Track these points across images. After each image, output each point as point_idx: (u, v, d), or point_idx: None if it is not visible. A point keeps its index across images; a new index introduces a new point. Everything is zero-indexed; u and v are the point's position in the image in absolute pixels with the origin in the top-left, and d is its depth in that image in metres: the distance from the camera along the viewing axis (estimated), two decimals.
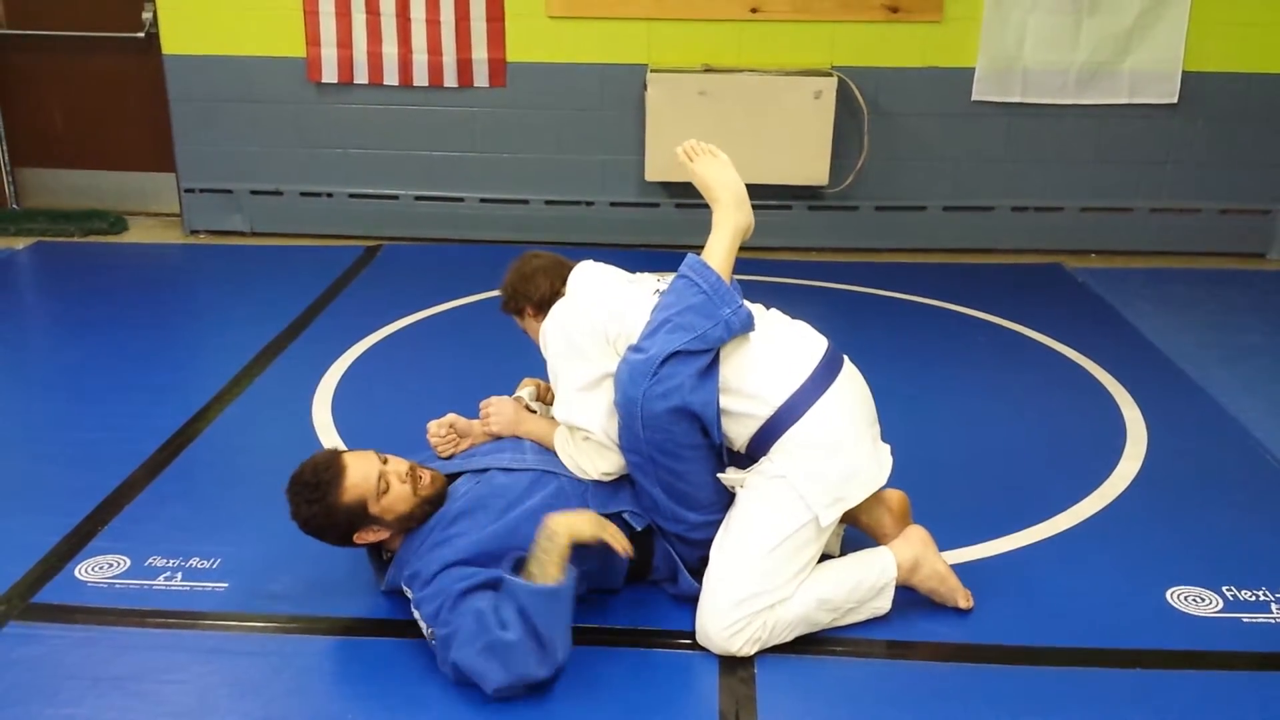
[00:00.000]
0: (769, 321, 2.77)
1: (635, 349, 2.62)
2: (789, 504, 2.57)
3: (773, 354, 2.68)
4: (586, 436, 2.71)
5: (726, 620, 2.54)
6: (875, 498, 2.82)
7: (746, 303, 2.70)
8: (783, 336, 2.74)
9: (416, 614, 2.52)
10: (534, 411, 3.01)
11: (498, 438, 2.94)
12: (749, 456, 2.69)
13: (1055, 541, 3.10)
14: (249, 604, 2.77)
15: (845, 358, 2.78)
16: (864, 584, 2.67)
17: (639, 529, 2.71)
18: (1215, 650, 2.63)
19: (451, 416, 2.98)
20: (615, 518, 2.68)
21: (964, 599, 2.74)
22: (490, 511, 2.62)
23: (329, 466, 2.57)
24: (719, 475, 2.67)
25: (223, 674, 2.51)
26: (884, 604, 2.70)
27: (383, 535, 2.61)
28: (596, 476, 2.74)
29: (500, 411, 2.94)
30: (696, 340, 2.57)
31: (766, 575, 2.55)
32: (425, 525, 2.61)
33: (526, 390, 3.15)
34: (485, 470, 2.77)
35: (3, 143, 6.31)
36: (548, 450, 2.84)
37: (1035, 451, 3.64)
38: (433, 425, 2.97)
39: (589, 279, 2.95)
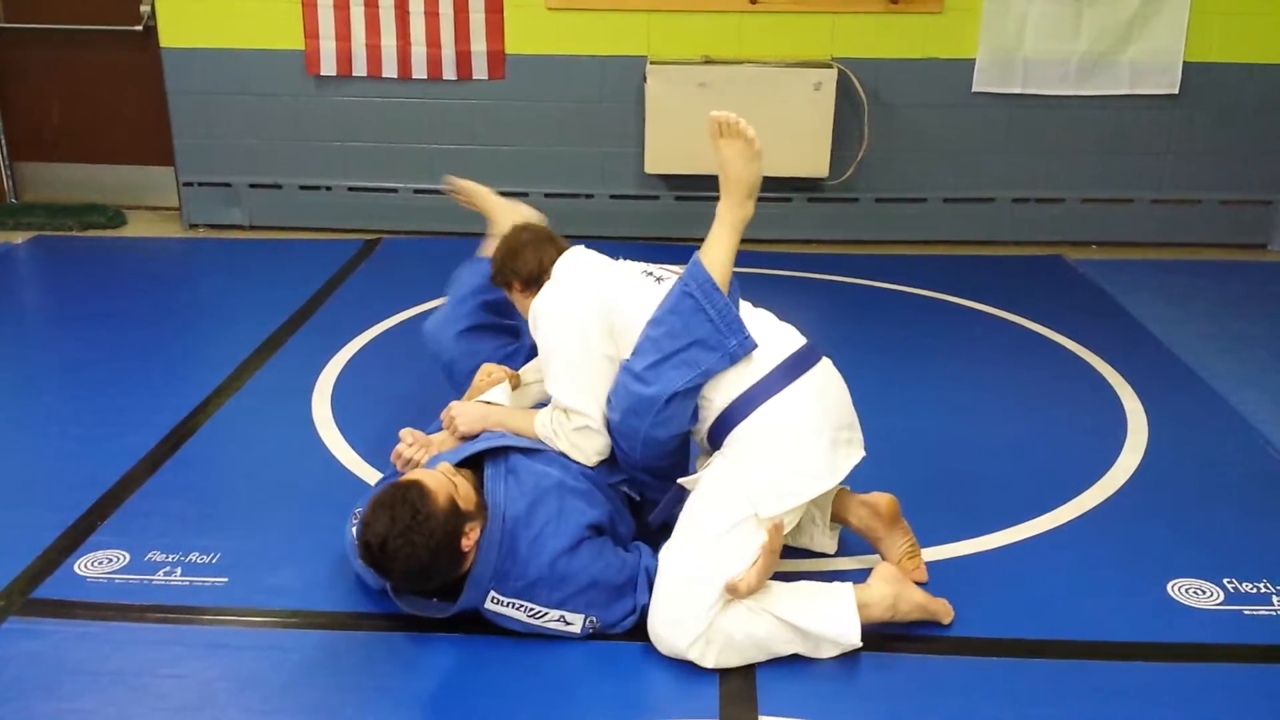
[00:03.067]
0: (751, 320, 2.75)
1: (637, 377, 2.63)
2: (733, 494, 2.56)
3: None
4: (584, 425, 2.71)
5: (673, 612, 2.50)
6: (864, 502, 2.82)
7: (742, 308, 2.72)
8: (756, 333, 2.72)
9: (518, 610, 2.54)
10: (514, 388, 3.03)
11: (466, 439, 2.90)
12: (712, 445, 2.71)
13: (1056, 534, 3.09)
14: (248, 598, 2.76)
15: (825, 358, 2.75)
16: (825, 616, 2.54)
17: (637, 499, 2.83)
18: (1216, 643, 2.62)
19: (410, 430, 2.92)
20: (615, 489, 2.78)
21: (946, 615, 2.67)
22: (551, 495, 2.61)
23: (405, 489, 2.41)
24: (680, 481, 2.71)
25: (222, 668, 2.51)
26: (852, 639, 2.55)
27: (476, 533, 2.49)
28: (592, 461, 2.76)
29: (464, 412, 2.90)
30: (700, 376, 2.61)
31: (712, 560, 2.50)
32: (491, 533, 2.52)
33: (498, 391, 3.04)
34: (505, 456, 2.72)
35: (1, 137, 6.30)
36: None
37: (1035, 443, 3.63)
38: (403, 447, 2.88)
39: (577, 264, 2.94)
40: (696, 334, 2.61)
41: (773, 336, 2.71)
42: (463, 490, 2.49)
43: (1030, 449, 3.60)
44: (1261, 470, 3.47)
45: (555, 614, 2.55)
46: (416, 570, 2.41)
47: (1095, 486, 3.34)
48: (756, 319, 2.78)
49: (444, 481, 2.46)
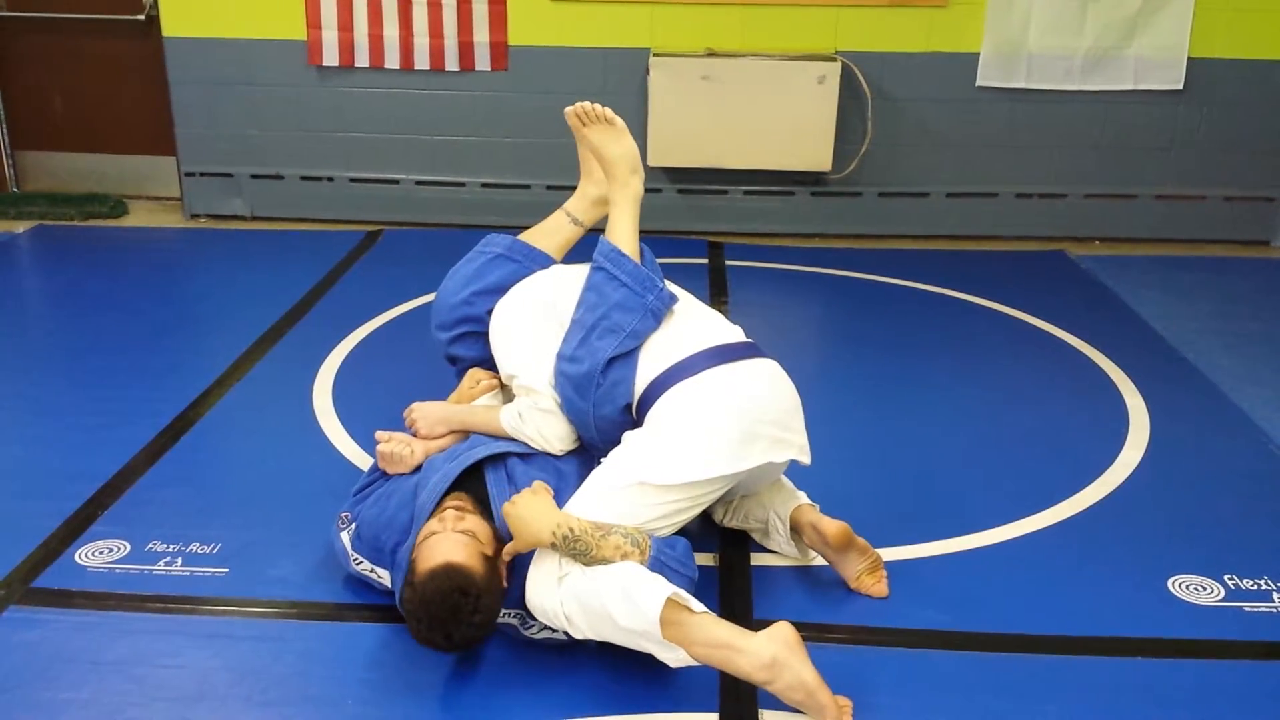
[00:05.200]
0: (683, 306, 2.81)
1: (570, 359, 2.68)
2: (625, 459, 2.56)
3: (671, 333, 2.73)
4: (546, 407, 2.73)
5: (537, 569, 2.41)
6: (814, 524, 2.73)
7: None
8: (685, 321, 2.77)
9: (510, 618, 2.53)
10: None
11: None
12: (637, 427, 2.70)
13: (1057, 529, 3.09)
14: (249, 589, 2.76)
15: (770, 360, 2.73)
16: (631, 596, 2.29)
17: None
18: (1216, 639, 2.62)
19: (384, 433, 2.89)
20: None
21: (834, 716, 2.26)
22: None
23: (448, 579, 2.30)
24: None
25: (222, 659, 2.51)
26: (666, 654, 2.30)
27: (505, 568, 2.47)
28: (557, 449, 2.76)
29: (426, 414, 2.90)
30: (628, 339, 2.68)
31: (591, 513, 2.46)
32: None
33: (486, 399, 3.03)
34: (503, 462, 2.70)
35: (3, 125, 6.30)
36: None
37: (1037, 439, 3.63)
38: (386, 448, 2.84)
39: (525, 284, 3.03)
40: (612, 299, 2.71)
41: (707, 328, 2.75)
42: (481, 534, 2.44)
43: (1031, 444, 3.60)
44: (1263, 467, 3.47)
45: (538, 624, 2.50)
46: (481, 641, 2.44)
47: (1096, 482, 3.34)
48: (699, 313, 2.83)
49: (467, 544, 2.38)
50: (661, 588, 2.28)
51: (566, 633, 2.40)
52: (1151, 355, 4.32)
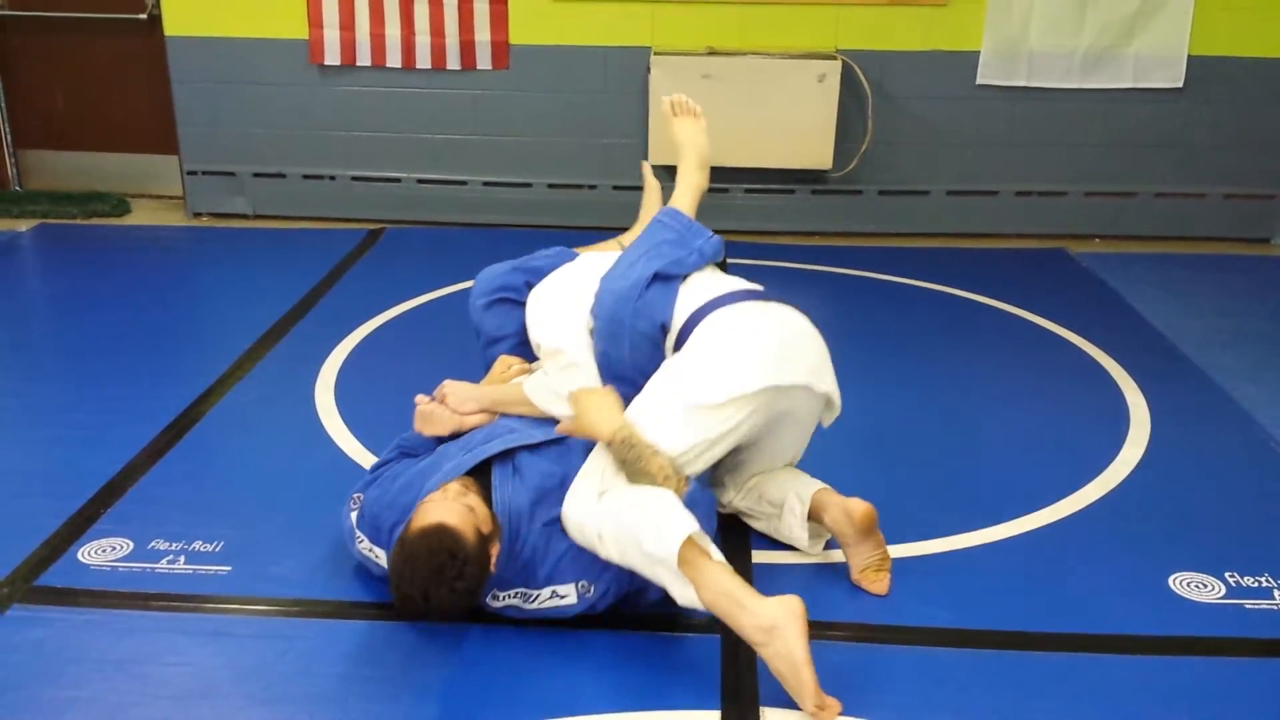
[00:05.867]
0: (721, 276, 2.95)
1: (616, 277, 2.81)
2: (664, 380, 2.66)
3: (712, 276, 2.89)
4: (570, 362, 2.79)
5: (578, 484, 2.53)
6: (841, 505, 2.77)
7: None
8: (726, 276, 2.93)
9: (514, 598, 2.56)
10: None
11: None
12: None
13: (1057, 527, 3.09)
14: (252, 587, 2.77)
15: (793, 307, 2.85)
16: (652, 517, 2.38)
17: None
18: (1217, 636, 2.62)
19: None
20: None
21: (812, 700, 2.26)
22: (554, 495, 2.60)
23: (435, 538, 2.34)
24: None
25: (225, 657, 2.52)
26: (677, 588, 2.38)
27: (496, 549, 2.47)
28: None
29: (455, 391, 2.93)
30: (674, 265, 2.82)
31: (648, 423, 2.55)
32: (504, 542, 2.52)
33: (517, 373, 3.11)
34: (512, 457, 2.72)
35: (5, 124, 6.31)
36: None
37: (1037, 437, 3.64)
38: (423, 406, 2.93)
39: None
40: (662, 237, 2.92)
41: (740, 282, 2.88)
42: (480, 512, 2.46)
43: (1032, 442, 3.60)
44: (1263, 464, 3.47)
45: (546, 591, 2.54)
46: (458, 611, 2.43)
47: (1097, 480, 3.34)
48: (727, 279, 2.92)
49: (464, 514, 2.41)
50: (689, 523, 2.36)
51: (595, 552, 2.47)
52: (1152, 353, 4.32)
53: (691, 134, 3.29)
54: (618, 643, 2.57)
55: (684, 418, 2.56)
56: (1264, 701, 2.41)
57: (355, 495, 2.80)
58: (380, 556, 2.66)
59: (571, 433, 2.61)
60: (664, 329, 2.75)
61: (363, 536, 2.71)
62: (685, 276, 2.82)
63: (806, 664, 2.26)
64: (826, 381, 2.74)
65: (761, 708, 2.36)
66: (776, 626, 2.28)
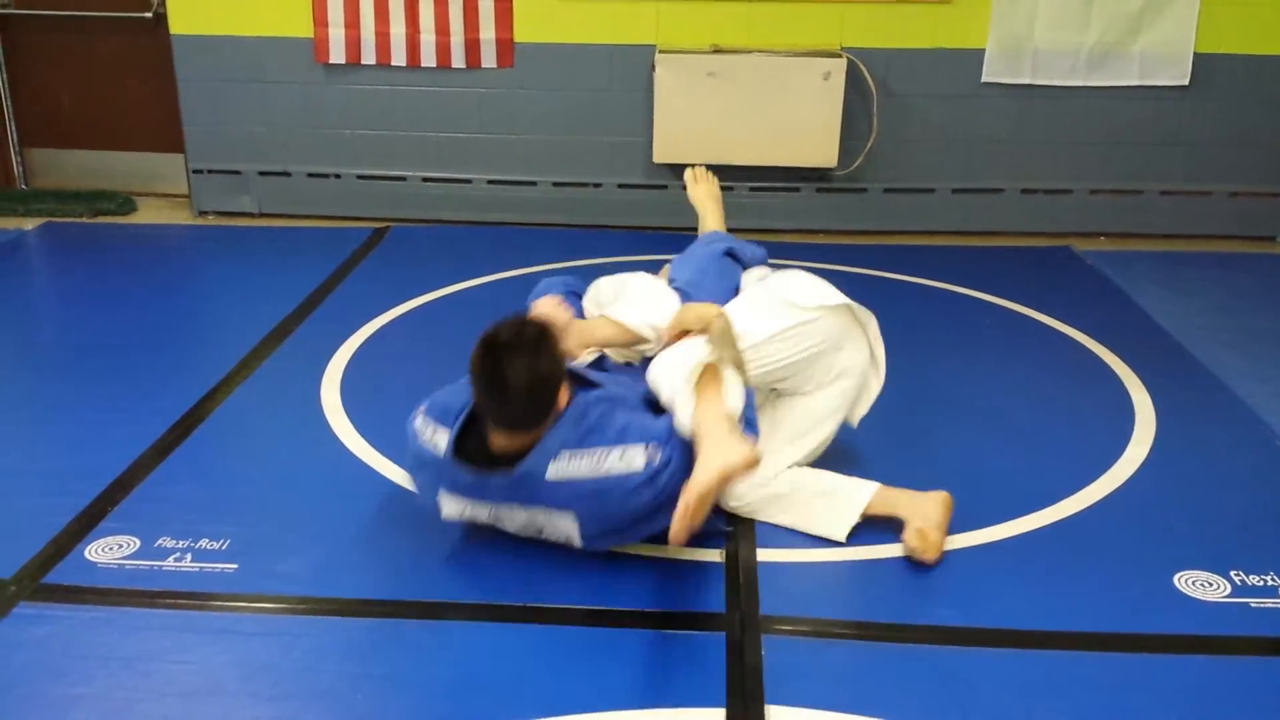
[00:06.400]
0: None
1: (689, 255, 3.54)
2: (769, 287, 3.19)
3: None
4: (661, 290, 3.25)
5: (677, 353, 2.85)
6: (923, 493, 2.97)
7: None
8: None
9: (580, 459, 2.61)
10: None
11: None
12: None
13: (1062, 525, 3.09)
14: (258, 585, 2.78)
15: None
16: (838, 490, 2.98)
17: None
18: (1223, 635, 2.62)
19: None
20: None
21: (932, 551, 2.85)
22: (628, 401, 2.81)
23: (539, 323, 2.63)
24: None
25: (232, 654, 2.52)
26: (836, 522, 2.94)
27: (566, 396, 2.64)
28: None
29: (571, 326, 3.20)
30: (738, 248, 3.54)
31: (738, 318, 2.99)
32: (576, 405, 2.66)
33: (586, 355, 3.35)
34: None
35: (11, 123, 6.32)
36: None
37: (1042, 434, 3.63)
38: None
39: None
40: (718, 241, 3.58)
41: None
42: (577, 344, 2.94)
43: (1037, 440, 3.60)
44: (1268, 463, 3.47)
45: (617, 452, 2.59)
46: (517, 387, 2.50)
47: (1102, 478, 3.34)
48: None
49: (570, 336, 2.87)
50: (741, 393, 2.73)
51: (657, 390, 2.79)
52: (1157, 351, 4.32)
53: (707, 195, 4.09)
54: (622, 640, 2.58)
55: (770, 310, 3.00)
56: (1270, 700, 2.41)
57: (421, 407, 2.83)
58: (440, 446, 2.70)
59: (675, 325, 2.96)
60: (737, 291, 3.26)
61: (428, 423, 2.75)
62: (747, 267, 3.45)
63: (934, 545, 2.85)
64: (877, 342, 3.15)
65: (767, 705, 2.36)
66: (922, 512, 2.90)
